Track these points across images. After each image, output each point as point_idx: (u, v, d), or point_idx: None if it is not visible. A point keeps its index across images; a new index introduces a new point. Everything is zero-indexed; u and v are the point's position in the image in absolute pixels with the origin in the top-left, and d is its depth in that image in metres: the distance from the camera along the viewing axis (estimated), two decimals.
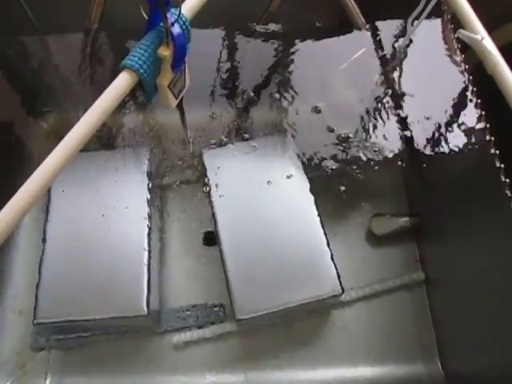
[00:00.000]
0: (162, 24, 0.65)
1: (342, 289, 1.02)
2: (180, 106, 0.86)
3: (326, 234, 1.07)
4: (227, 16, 1.24)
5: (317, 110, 1.21)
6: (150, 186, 1.12)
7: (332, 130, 1.20)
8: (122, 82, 0.62)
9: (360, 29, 1.20)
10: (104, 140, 1.20)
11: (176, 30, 0.65)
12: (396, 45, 1.19)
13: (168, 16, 0.63)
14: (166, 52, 0.65)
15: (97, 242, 1.04)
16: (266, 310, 1.00)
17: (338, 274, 1.03)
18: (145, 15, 0.65)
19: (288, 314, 1.04)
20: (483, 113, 0.89)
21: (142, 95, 1.24)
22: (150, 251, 1.04)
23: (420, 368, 1.07)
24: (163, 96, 0.73)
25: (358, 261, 1.18)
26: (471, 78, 0.94)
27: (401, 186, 1.26)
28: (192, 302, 1.12)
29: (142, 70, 0.63)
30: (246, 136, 1.20)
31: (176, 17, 0.64)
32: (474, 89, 0.93)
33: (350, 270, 1.14)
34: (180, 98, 0.78)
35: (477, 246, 0.95)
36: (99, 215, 1.07)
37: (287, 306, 1.00)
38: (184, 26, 0.67)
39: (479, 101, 0.91)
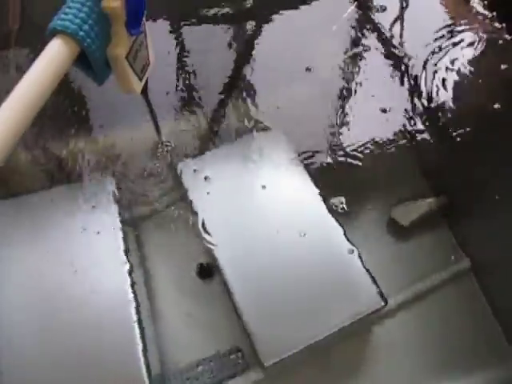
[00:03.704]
0: None
1: (385, 300, 0.83)
2: (145, 93, 0.62)
3: (347, 237, 0.88)
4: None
5: (309, 94, 1.01)
6: (122, 220, 0.89)
7: (328, 116, 1.01)
8: (55, 54, 0.40)
9: None
10: (54, 174, 0.95)
11: None
12: None
13: None
14: (114, 3, 0.43)
15: (68, 307, 0.80)
16: (297, 346, 0.80)
17: (375, 282, 0.84)
18: None
19: (323, 344, 0.83)
20: None
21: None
22: (137, 302, 0.82)
23: (498, 374, 0.88)
24: (121, 75, 0.49)
25: (388, 260, 0.99)
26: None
27: (413, 165, 1.08)
28: (201, 355, 0.89)
29: (82, 33, 0.41)
30: (226, 137, 0.99)
31: None
32: None
33: (381, 274, 0.94)
34: (145, 79, 0.55)
35: None
36: (65, 270, 0.84)
37: (322, 336, 0.81)
38: None
39: None
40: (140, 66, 0.52)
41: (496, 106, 0.92)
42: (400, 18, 0.97)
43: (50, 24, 0.42)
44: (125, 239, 0.88)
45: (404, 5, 0.99)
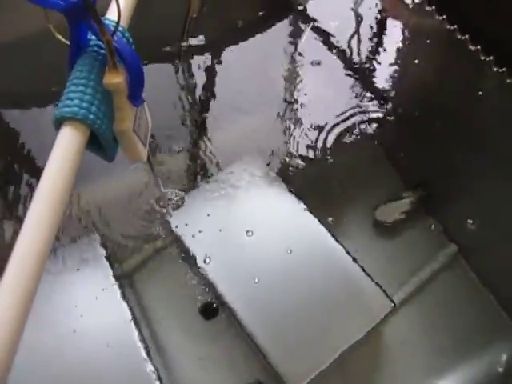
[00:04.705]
0: (92, 42, 0.43)
1: (393, 301, 0.85)
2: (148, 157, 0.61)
3: (346, 249, 0.90)
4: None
5: (274, 116, 1.03)
6: (116, 276, 0.86)
7: (297, 132, 1.03)
8: (69, 145, 0.38)
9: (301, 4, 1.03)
10: None
11: (121, 42, 0.42)
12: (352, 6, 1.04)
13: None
14: (116, 79, 0.42)
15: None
16: (320, 365, 0.80)
17: (379, 286, 0.86)
18: (63, 39, 0.42)
19: (342, 358, 0.84)
20: None
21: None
22: (149, 356, 0.80)
23: (507, 348, 0.92)
24: (130, 147, 0.48)
25: (381, 261, 1.01)
26: None
27: (385, 164, 1.12)
28: None
29: (92, 116, 0.40)
30: (205, 174, 0.98)
31: (113, 26, 0.42)
32: None
33: (377, 275, 0.97)
34: (148, 144, 0.54)
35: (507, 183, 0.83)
36: (70, 337, 0.80)
37: (343, 348, 0.82)
38: (125, 37, 0.45)
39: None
40: (143, 134, 0.51)
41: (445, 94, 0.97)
42: (356, 32, 1.01)
43: (56, 112, 0.39)
44: (123, 295, 0.85)
45: (359, 19, 1.04)
